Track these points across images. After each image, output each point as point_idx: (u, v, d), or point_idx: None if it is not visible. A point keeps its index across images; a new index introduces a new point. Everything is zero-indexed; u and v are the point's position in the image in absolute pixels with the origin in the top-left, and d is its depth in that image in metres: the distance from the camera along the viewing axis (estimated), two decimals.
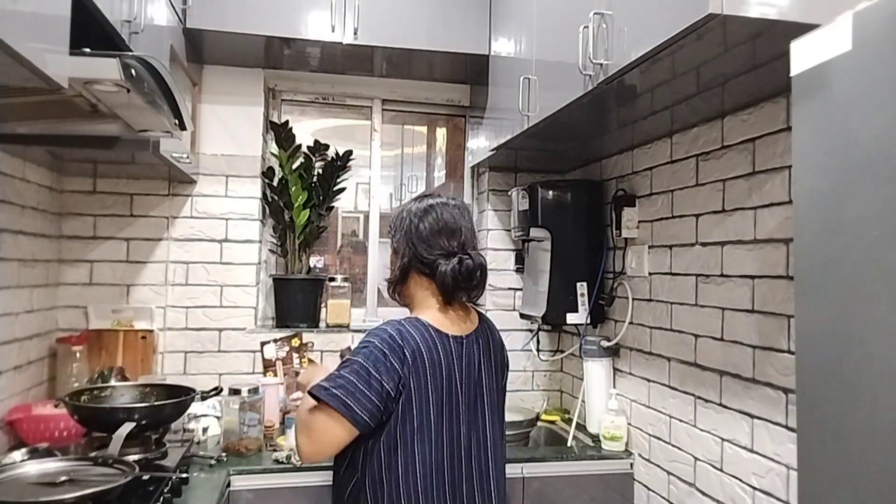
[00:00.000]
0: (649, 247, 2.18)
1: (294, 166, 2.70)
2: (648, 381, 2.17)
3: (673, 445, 2.02)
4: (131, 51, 1.50)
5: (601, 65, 1.54)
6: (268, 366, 2.56)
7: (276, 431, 2.30)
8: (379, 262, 2.94)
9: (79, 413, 1.81)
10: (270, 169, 2.73)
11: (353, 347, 1.73)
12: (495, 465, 1.48)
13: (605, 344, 2.38)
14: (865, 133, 0.81)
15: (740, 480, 1.70)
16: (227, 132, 2.62)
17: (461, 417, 1.42)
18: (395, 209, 1.58)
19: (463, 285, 1.44)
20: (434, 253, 1.44)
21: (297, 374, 2.53)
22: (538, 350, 2.85)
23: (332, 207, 2.84)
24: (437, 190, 3.22)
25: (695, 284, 1.91)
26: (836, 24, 0.85)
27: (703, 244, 1.88)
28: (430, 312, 1.46)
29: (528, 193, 2.52)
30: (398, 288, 1.51)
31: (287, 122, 2.73)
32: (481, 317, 1.58)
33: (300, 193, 2.66)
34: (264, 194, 2.72)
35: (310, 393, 1.34)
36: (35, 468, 1.58)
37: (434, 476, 1.37)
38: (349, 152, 2.77)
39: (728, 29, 1.20)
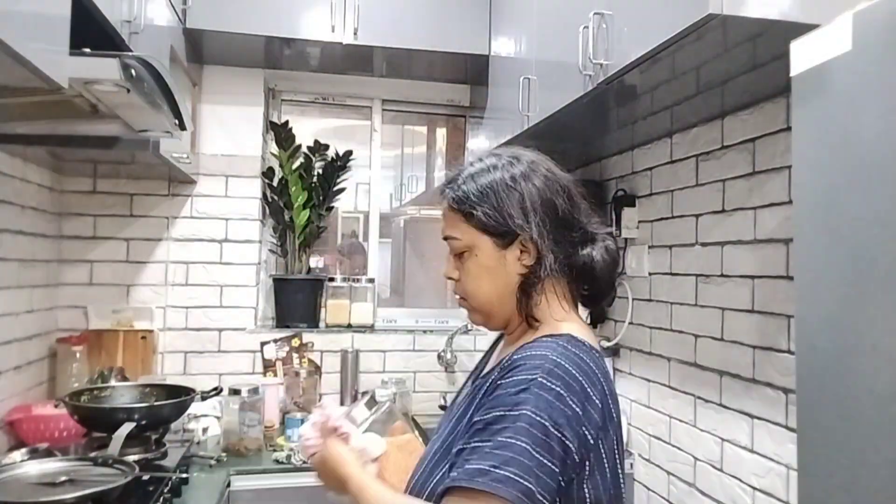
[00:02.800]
0: (649, 247, 2.18)
1: (294, 166, 2.69)
2: (648, 381, 2.17)
3: (673, 445, 2.02)
4: (131, 51, 1.50)
5: (601, 65, 1.54)
6: (268, 366, 2.56)
7: (276, 431, 2.30)
8: (379, 261, 2.94)
9: (79, 413, 1.82)
10: (270, 169, 2.73)
11: (364, 393, 1.22)
12: None
13: (604, 344, 2.38)
14: (865, 133, 0.81)
15: (740, 480, 1.70)
16: (227, 132, 2.62)
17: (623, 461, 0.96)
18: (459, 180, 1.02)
19: (611, 289, 1.06)
20: (572, 241, 1.00)
21: (296, 374, 2.53)
22: None
23: (332, 207, 2.84)
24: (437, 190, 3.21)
25: (695, 284, 1.91)
26: (836, 24, 0.85)
27: (703, 244, 1.88)
28: (576, 325, 1.00)
29: None
30: (533, 301, 0.99)
31: (287, 122, 2.73)
32: None
33: (300, 193, 2.66)
34: (264, 194, 2.72)
35: (454, 487, 0.84)
36: (35, 468, 1.58)
37: None
38: (349, 152, 2.77)
39: (728, 29, 1.20)
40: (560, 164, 1.08)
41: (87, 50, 1.26)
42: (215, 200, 2.60)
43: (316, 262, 2.91)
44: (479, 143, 2.78)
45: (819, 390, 0.87)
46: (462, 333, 2.73)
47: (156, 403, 1.94)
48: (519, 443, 0.82)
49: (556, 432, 0.84)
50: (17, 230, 2.03)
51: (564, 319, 0.99)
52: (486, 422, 0.86)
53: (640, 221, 2.25)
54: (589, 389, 0.89)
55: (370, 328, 2.73)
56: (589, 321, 2.35)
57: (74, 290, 2.44)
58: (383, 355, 2.69)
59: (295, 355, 2.59)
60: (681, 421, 1.98)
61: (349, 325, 2.72)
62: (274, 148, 2.72)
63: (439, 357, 2.70)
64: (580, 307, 1.05)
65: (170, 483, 1.66)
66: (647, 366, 2.18)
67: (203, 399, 2.09)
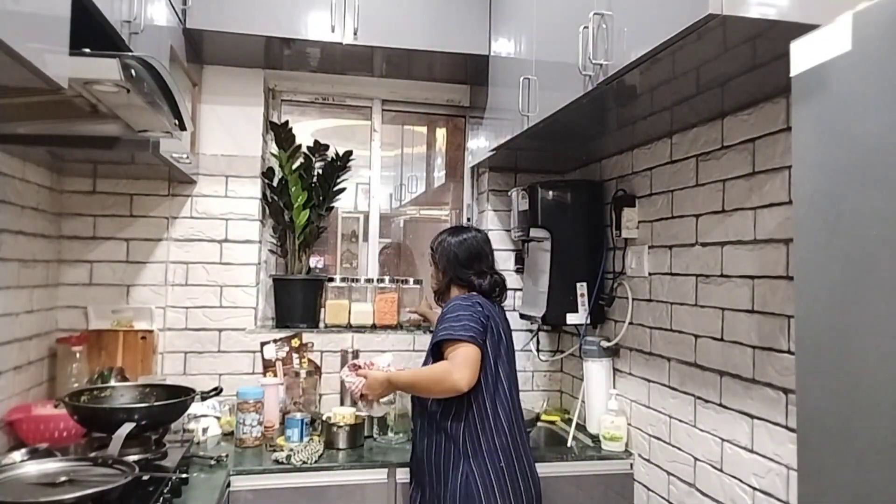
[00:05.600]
0: (649, 247, 2.18)
1: (294, 166, 2.70)
2: (648, 381, 2.17)
3: (673, 446, 2.02)
4: (131, 51, 1.50)
5: (601, 65, 1.54)
6: (268, 366, 2.56)
7: (276, 431, 2.30)
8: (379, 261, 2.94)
9: (79, 413, 1.81)
10: (270, 169, 2.73)
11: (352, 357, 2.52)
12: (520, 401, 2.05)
13: (604, 344, 2.38)
14: (865, 133, 0.81)
15: (740, 481, 1.70)
16: (227, 132, 2.62)
17: (513, 356, 2.01)
18: (433, 237, 2.15)
19: (495, 295, 2.01)
20: (469, 273, 2.00)
21: (296, 374, 2.53)
22: (538, 350, 2.85)
23: (332, 208, 2.84)
24: (437, 190, 3.23)
25: (695, 285, 1.91)
26: (836, 24, 0.85)
27: (703, 244, 1.88)
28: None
29: (528, 194, 2.52)
30: (444, 296, 2.06)
31: (287, 122, 2.73)
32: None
33: (300, 194, 2.66)
34: (264, 194, 2.72)
35: (448, 339, 1.82)
36: (35, 468, 1.58)
37: (512, 391, 1.94)
38: (349, 152, 2.77)
39: (728, 29, 1.20)
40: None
41: (87, 50, 1.26)
42: (215, 200, 2.60)
43: (316, 262, 2.91)
44: (478, 143, 2.78)
45: (819, 390, 0.87)
46: None
47: (156, 403, 1.94)
48: (464, 319, 1.84)
49: (477, 317, 1.87)
50: (17, 230, 2.03)
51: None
52: (443, 320, 1.88)
53: (639, 221, 2.25)
54: (477, 307, 1.89)
55: (371, 328, 2.73)
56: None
57: (74, 291, 2.44)
58: (383, 355, 2.68)
59: (295, 355, 2.59)
60: (681, 421, 1.98)
61: (349, 325, 2.72)
62: (274, 148, 2.73)
63: None
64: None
65: (170, 483, 1.65)
66: (647, 366, 2.18)
67: (203, 399, 2.09)
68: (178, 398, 1.94)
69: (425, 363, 1.97)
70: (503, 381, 1.90)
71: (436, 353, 1.90)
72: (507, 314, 2.09)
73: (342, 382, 2.21)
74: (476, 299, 1.92)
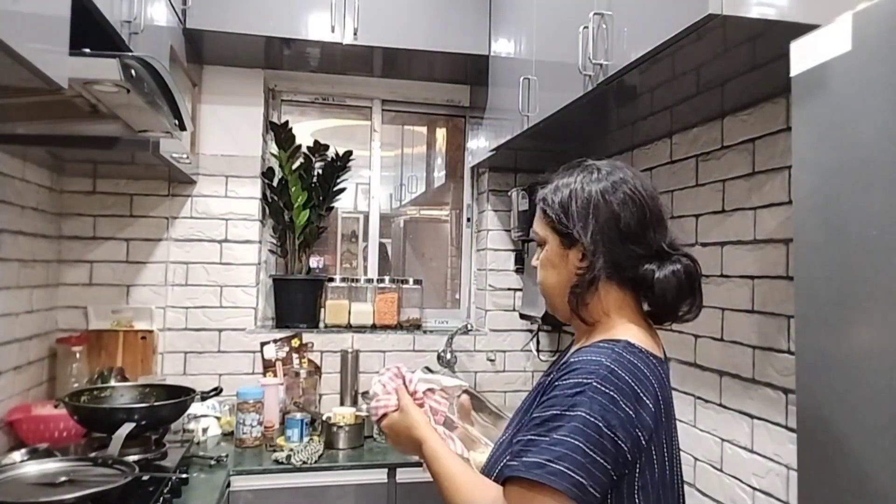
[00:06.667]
0: None
1: (294, 167, 2.70)
2: None
3: None
4: (131, 51, 1.50)
5: (601, 65, 1.54)
6: (268, 366, 2.57)
7: (276, 431, 2.30)
8: (380, 261, 2.94)
9: (79, 413, 1.82)
10: (270, 169, 2.73)
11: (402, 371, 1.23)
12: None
13: None
14: (865, 133, 0.81)
15: (740, 481, 1.70)
16: (227, 132, 2.62)
17: (679, 465, 1.05)
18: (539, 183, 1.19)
19: (686, 299, 1.05)
20: (639, 253, 1.04)
21: (296, 374, 2.53)
22: (538, 350, 2.84)
23: (332, 208, 2.84)
24: (437, 190, 3.22)
25: None
26: (836, 24, 0.85)
27: (703, 244, 1.88)
28: (634, 332, 1.03)
29: (528, 193, 2.52)
30: (585, 300, 1.04)
31: (287, 122, 2.73)
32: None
33: (300, 194, 2.66)
34: (264, 195, 2.72)
35: (513, 477, 0.92)
36: (35, 468, 1.58)
37: None
38: (349, 153, 2.77)
39: (728, 29, 1.20)
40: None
41: (87, 50, 1.26)
42: (215, 201, 2.60)
43: (316, 262, 2.91)
44: (478, 143, 2.78)
45: (819, 390, 0.87)
46: (462, 334, 2.73)
47: (156, 404, 1.94)
48: (573, 440, 0.90)
49: (608, 432, 0.90)
50: (17, 230, 2.03)
51: (622, 325, 1.04)
52: (544, 418, 0.94)
53: None
54: (641, 393, 0.94)
55: (371, 328, 2.73)
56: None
57: (74, 291, 2.44)
58: (383, 355, 2.69)
59: (295, 355, 2.59)
60: (681, 421, 1.98)
61: (349, 326, 2.72)
62: (274, 148, 2.72)
63: (439, 357, 2.70)
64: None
65: (170, 483, 1.66)
66: None
67: (203, 399, 2.09)
68: (178, 398, 1.94)
69: (499, 447, 1.08)
70: None
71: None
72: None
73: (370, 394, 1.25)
74: (634, 357, 0.97)
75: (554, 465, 0.89)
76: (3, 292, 1.94)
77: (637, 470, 0.94)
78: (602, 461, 0.89)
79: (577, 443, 0.89)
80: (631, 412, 0.92)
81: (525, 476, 0.90)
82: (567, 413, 0.91)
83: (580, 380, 0.93)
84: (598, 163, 1.11)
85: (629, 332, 1.03)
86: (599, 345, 1.00)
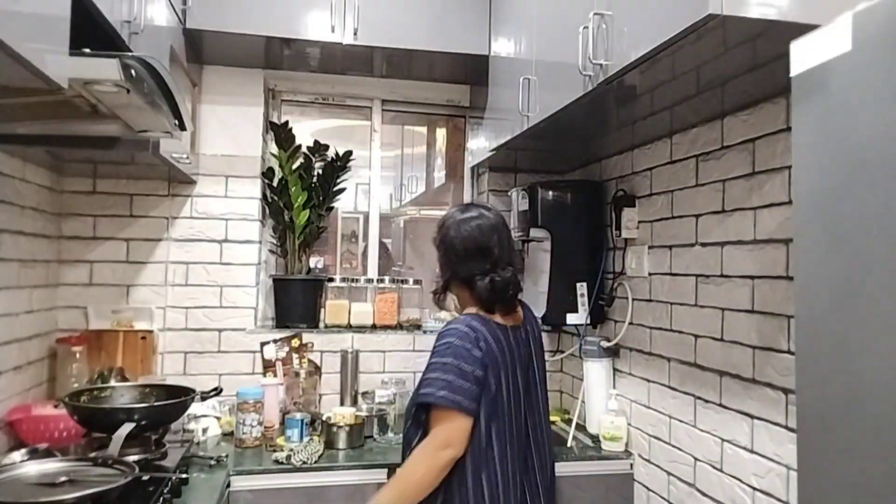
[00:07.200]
0: (649, 247, 2.18)
1: (294, 167, 2.69)
2: (648, 381, 2.17)
3: (673, 446, 2.02)
4: (131, 51, 1.50)
5: (601, 65, 1.54)
6: (268, 366, 2.56)
7: (276, 432, 2.30)
8: (379, 262, 2.94)
9: (79, 413, 1.81)
10: (270, 169, 2.73)
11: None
12: (548, 436, 1.73)
13: (604, 344, 2.38)
14: (865, 133, 0.81)
15: (740, 481, 1.70)
16: (227, 132, 2.62)
17: (521, 398, 1.64)
18: (438, 216, 1.83)
19: (498, 299, 1.64)
20: (469, 271, 1.64)
21: (296, 374, 2.53)
22: None
23: (332, 208, 2.84)
24: (437, 190, 3.22)
25: (695, 285, 1.91)
26: (836, 24, 0.85)
27: (703, 244, 1.88)
28: (475, 312, 1.64)
29: (528, 194, 2.52)
30: (443, 295, 1.75)
31: (287, 122, 2.73)
32: (524, 305, 1.78)
33: (300, 194, 2.66)
34: (264, 195, 2.72)
35: (422, 403, 1.53)
36: (35, 468, 1.58)
37: (508, 450, 1.57)
38: (349, 153, 2.77)
39: (728, 29, 1.20)
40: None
41: (87, 50, 1.26)
42: (215, 201, 2.60)
43: (316, 262, 2.91)
44: (478, 143, 2.78)
45: (819, 390, 0.87)
46: None
47: (156, 404, 1.93)
48: (449, 366, 1.53)
49: (467, 367, 1.52)
50: (17, 230, 2.03)
51: (469, 310, 1.67)
52: (429, 360, 1.58)
53: (639, 222, 2.25)
54: (474, 337, 1.55)
55: (371, 328, 2.73)
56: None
57: (74, 291, 2.44)
58: (383, 355, 2.69)
59: (295, 355, 2.59)
60: (681, 421, 1.98)
61: (349, 326, 2.72)
62: (274, 148, 2.72)
63: None
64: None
65: (170, 483, 1.65)
66: (646, 366, 2.18)
67: (203, 399, 2.09)
68: (178, 398, 1.94)
69: (405, 424, 1.67)
70: (494, 448, 1.55)
71: (418, 415, 1.59)
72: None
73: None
74: (474, 323, 1.58)
75: (441, 394, 1.49)
76: (3, 292, 1.94)
77: (484, 391, 1.53)
78: (469, 386, 1.50)
79: (449, 378, 1.51)
80: (477, 354, 1.53)
81: (426, 401, 1.52)
82: (442, 358, 1.54)
83: (446, 339, 1.56)
84: (463, 211, 1.71)
85: (472, 311, 1.65)
86: (461, 317, 1.62)
